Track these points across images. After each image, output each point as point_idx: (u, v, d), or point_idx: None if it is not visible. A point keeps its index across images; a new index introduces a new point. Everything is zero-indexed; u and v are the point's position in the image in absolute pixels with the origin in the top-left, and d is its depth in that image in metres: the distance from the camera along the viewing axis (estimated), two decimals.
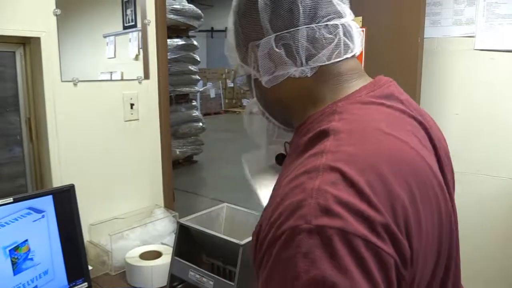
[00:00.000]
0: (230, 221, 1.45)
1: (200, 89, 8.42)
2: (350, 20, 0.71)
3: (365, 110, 0.66)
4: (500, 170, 2.21)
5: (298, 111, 0.72)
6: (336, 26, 0.68)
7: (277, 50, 0.68)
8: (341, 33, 0.69)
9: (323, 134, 0.62)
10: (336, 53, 0.68)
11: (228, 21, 0.77)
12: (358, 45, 0.72)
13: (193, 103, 6.97)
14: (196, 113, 6.92)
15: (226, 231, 1.42)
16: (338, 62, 0.69)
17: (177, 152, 6.42)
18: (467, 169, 2.23)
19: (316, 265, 0.51)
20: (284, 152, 0.82)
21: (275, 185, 0.68)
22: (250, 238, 1.16)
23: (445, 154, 0.75)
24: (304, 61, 0.68)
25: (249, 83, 0.77)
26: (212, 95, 12.38)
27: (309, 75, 0.68)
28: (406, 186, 0.59)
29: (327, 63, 0.68)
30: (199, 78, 7.11)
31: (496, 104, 2.18)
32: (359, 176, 0.56)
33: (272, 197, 0.65)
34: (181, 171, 6.40)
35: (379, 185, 0.56)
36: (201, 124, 6.95)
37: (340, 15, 0.69)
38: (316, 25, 0.67)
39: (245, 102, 13.44)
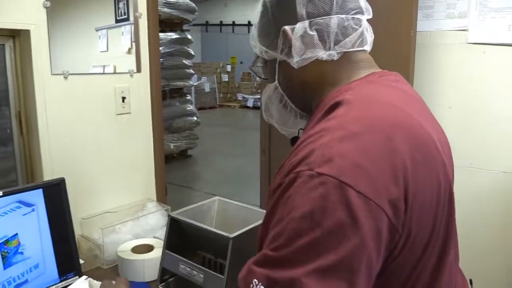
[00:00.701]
0: (221, 215, 1.45)
1: (195, 83, 8.41)
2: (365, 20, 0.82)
3: (375, 87, 0.77)
4: (493, 164, 2.22)
5: (318, 91, 0.80)
6: (360, 19, 0.79)
7: (310, 33, 0.77)
8: (363, 26, 0.80)
9: (336, 104, 0.71)
10: (358, 42, 0.79)
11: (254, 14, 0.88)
12: (370, 44, 0.83)
13: (187, 97, 6.95)
14: (191, 107, 6.90)
15: (218, 225, 1.42)
16: (357, 52, 0.80)
17: (171, 147, 6.41)
18: (460, 162, 2.23)
19: (309, 203, 0.60)
20: (298, 136, 0.91)
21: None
22: (240, 231, 1.17)
23: (446, 145, 0.80)
24: (332, 45, 0.78)
25: (272, 67, 0.86)
26: (207, 89, 12.34)
27: (335, 58, 0.78)
28: (408, 148, 0.65)
29: (350, 50, 0.78)
30: (193, 72, 7.10)
31: (489, 97, 2.19)
32: (364, 134, 0.64)
33: (284, 162, 0.73)
34: (175, 165, 6.39)
35: (381, 142, 0.64)
36: (195, 118, 6.94)
37: (362, 12, 0.80)
38: (345, 16, 0.78)
39: (240, 96, 13.41)
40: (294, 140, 0.93)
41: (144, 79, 1.85)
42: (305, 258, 0.59)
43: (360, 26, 0.79)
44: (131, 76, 1.80)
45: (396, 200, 0.62)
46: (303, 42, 0.78)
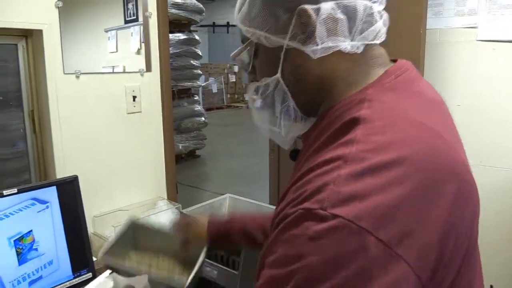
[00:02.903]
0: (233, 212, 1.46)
1: (202, 84, 8.42)
2: None
3: (396, 97, 0.64)
4: (503, 161, 2.21)
5: (332, 92, 0.67)
6: (382, 10, 0.68)
7: (339, 16, 0.63)
8: (384, 16, 0.68)
9: (353, 123, 0.59)
10: (379, 33, 0.67)
11: None
12: (383, 38, 0.71)
13: (195, 98, 6.96)
14: (199, 107, 6.92)
15: None
16: (374, 45, 0.68)
17: (180, 147, 6.43)
18: (470, 160, 2.22)
19: (319, 251, 0.51)
20: (296, 147, 0.78)
21: (291, 181, 0.65)
22: None
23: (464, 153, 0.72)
24: (357, 35, 0.65)
25: (271, 57, 0.69)
26: (214, 90, 12.36)
27: (359, 51, 0.65)
28: (450, 187, 0.56)
29: (371, 42, 0.66)
30: (201, 72, 7.11)
31: (498, 94, 2.18)
32: (390, 168, 0.53)
33: (288, 188, 0.63)
34: (184, 165, 6.41)
35: (415, 179, 0.54)
36: (203, 118, 6.95)
37: (383, 3, 0.69)
38: (372, 3, 0.66)
39: (247, 97, 13.39)
40: (294, 153, 0.79)
41: (154, 78, 1.87)
42: None
43: (381, 16, 0.67)
44: (142, 75, 1.82)
45: (428, 253, 0.54)
46: (326, 27, 0.63)
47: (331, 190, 0.52)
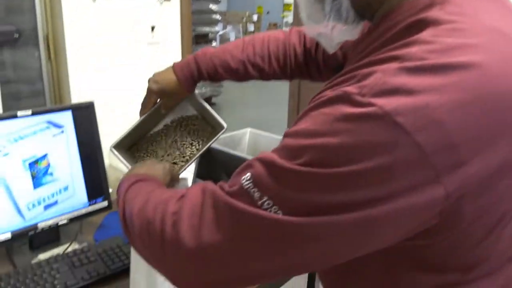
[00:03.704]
0: (253, 147, 1.41)
1: (220, 32, 8.24)
2: None
3: (468, 0, 0.54)
4: None
5: None
6: None
7: None
8: None
9: (420, 24, 0.51)
10: None
11: None
12: None
13: (213, 44, 6.82)
14: None
15: (249, 155, 1.37)
16: None
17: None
18: None
19: (341, 134, 0.46)
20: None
21: None
22: None
23: None
24: None
25: None
26: (232, 38, 12.12)
27: None
28: None
29: None
30: (219, 18, 6.92)
31: None
32: (457, 71, 0.45)
33: None
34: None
35: (484, 85, 0.46)
36: None
37: None
38: None
39: None
40: (338, 70, 0.68)
41: (174, 7, 1.77)
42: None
43: None
44: (161, 3, 1.73)
45: (469, 182, 0.47)
46: None
47: (376, 78, 0.47)
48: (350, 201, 0.47)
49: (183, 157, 1.04)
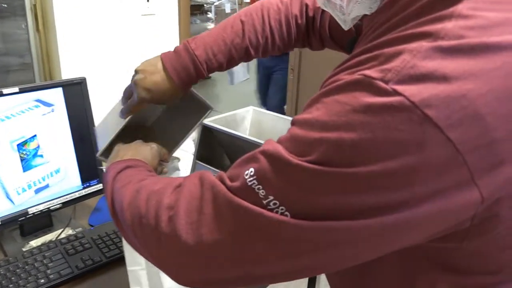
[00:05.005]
0: (256, 126, 1.33)
1: (216, 2, 8.03)
2: None
3: None
4: None
5: None
6: None
7: None
8: None
9: None
10: None
11: None
12: None
13: (208, 15, 6.66)
14: (212, 25, 6.65)
15: (252, 136, 1.30)
16: None
17: None
18: None
19: (359, 128, 0.40)
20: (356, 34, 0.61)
21: None
22: None
23: None
24: None
25: None
26: (227, 10, 11.85)
27: None
28: None
29: None
30: None
31: None
32: (497, 52, 0.39)
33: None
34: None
35: None
36: None
37: None
38: None
39: None
40: (351, 42, 0.65)
41: None
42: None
43: None
44: None
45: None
46: None
47: (404, 60, 0.39)
48: (367, 205, 0.41)
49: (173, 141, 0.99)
